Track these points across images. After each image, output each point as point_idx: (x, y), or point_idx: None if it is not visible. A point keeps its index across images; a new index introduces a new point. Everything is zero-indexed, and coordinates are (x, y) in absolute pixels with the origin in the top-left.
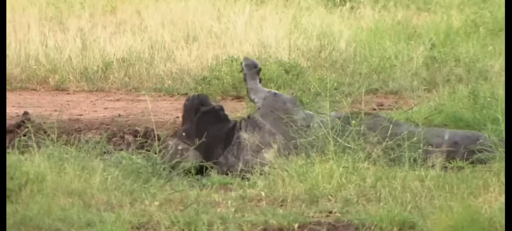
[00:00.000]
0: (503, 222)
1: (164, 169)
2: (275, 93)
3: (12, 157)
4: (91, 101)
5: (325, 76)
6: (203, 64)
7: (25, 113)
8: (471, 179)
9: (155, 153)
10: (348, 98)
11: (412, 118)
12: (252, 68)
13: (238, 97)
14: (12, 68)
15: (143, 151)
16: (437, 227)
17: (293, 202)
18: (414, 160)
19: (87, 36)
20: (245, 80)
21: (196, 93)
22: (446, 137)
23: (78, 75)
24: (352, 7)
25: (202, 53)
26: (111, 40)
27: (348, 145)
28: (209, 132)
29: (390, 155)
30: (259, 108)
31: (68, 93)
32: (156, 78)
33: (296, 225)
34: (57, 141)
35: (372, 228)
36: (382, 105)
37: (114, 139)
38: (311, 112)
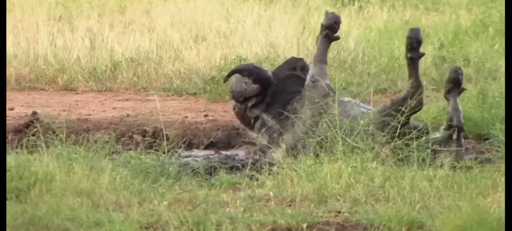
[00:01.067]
0: None
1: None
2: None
3: (21, 157)
4: (100, 101)
5: (334, 76)
6: (212, 64)
7: (34, 113)
8: (480, 178)
9: (164, 153)
10: (357, 98)
11: (421, 117)
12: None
13: None
14: (21, 68)
15: (152, 150)
16: (445, 227)
17: (302, 202)
18: (423, 160)
19: (96, 36)
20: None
21: (302, 58)
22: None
23: (86, 75)
24: (360, 7)
25: (211, 53)
26: (119, 40)
27: (357, 145)
28: (286, 89)
29: (399, 154)
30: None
31: (77, 93)
32: (165, 78)
33: (304, 225)
34: (66, 140)
35: (381, 228)
36: None
37: (122, 138)
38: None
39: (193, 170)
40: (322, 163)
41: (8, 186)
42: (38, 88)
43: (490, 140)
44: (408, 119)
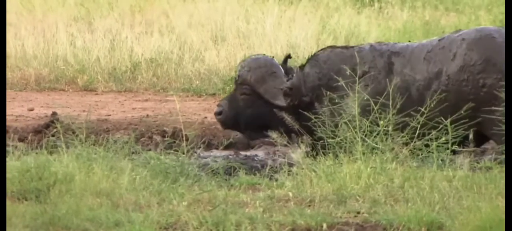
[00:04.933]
0: None
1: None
2: None
3: (40, 157)
4: (120, 101)
5: None
6: (231, 64)
7: (54, 113)
8: (499, 179)
9: (183, 153)
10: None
11: None
12: None
13: None
14: (40, 68)
15: (171, 151)
16: (465, 228)
17: (321, 202)
18: (442, 160)
19: (115, 36)
20: None
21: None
22: None
23: (106, 75)
24: (380, 8)
25: (230, 53)
26: (139, 40)
27: (376, 146)
28: None
29: (418, 155)
30: None
31: (97, 94)
32: (184, 78)
33: (324, 225)
34: (86, 141)
35: (400, 228)
36: None
37: (142, 139)
38: None
39: (213, 171)
40: (342, 163)
41: (28, 186)
42: (58, 89)
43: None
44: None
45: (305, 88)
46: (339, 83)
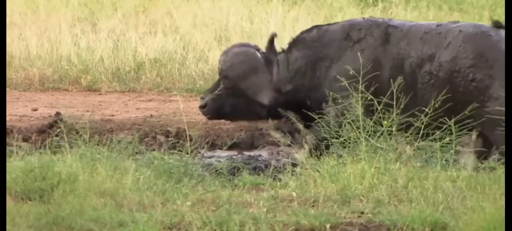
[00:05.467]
0: None
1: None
2: None
3: (44, 157)
4: (123, 101)
5: None
6: None
7: (57, 113)
8: (503, 179)
9: (187, 153)
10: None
11: None
12: None
13: None
14: (44, 68)
15: (175, 151)
16: (469, 228)
17: (325, 203)
18: (446, 161)
19: (119, 36)
20: None
21: None
22: None
23: (110, 75)
24: (384, 8)
25: None
26: (143, 40)
27: (380, 146)
28: None
29: (422, 155)
30: None
31: (100, 94)
32: (188, 78)
33: (328, 226)
34: (89, 141)
35: (404, 228)
36: None
37: (146, 139)
38: None
39: (216, 171)
40: (345, 163)
41: (31, 186)
42: (62, 89)
43: None
44: None
45: (289, 72)
46: (331, 51)
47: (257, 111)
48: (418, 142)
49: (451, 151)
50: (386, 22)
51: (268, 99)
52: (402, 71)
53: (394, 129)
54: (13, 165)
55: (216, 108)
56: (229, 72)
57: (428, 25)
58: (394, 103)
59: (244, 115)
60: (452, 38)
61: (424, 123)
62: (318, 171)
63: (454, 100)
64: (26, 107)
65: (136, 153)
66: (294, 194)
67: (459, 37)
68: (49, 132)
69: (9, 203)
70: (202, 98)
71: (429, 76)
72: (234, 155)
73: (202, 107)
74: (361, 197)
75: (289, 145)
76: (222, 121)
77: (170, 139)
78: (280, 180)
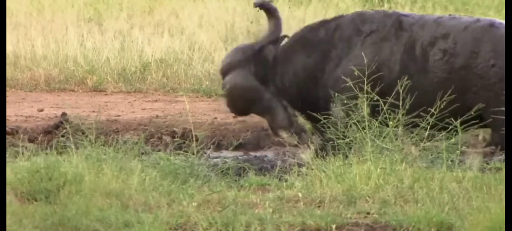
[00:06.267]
0: None
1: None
2: None
3: (50, 158)
4: (129, 102)
5: None
6: None
7: (63, 114)
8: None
9: (193, 154)
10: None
11: None
12: None
13: None
14: (50, 69)
15: (181, 152)
16: (475, 228)
17: (331, 203)
18: (452, 161)
19: (125, 37)
20: None
21: None
22: None
23: (116, 76)
24: (390, 8)
25: None
26: (149, 41)
27: (386, 146)
28: None
29: (428, 156)
30: None
31: (106, 94)
32: (194, 79)
33: (333, 226)
34: (95, 141)
35: (410, 229)
36: None
37: (152, 139)
38: None
39: (222, 171)
40: (351, 164)
41: (37, 187)
42: (68, 90)
43: None
44: None
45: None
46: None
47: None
48: (424, 143)
49: (457, 151)
50: (397, 13)
51: (285, 122)
52: (413, 56)
53: (400, 127)
54: (19, 165)
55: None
56: (232, 110)
57: (441, 15)
58: (400, 105)
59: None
60: (470, 23)
61: (438, 107)
62: (324, 172)
63: (469, 85)
64: (32, 108)
65: (142, 153)
66: (300, 195)
67: (477, 23)
68: (55, 132)
69: (15, 203)
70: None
71: (443, 53)
72: (240, 156)
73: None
74: (367, 198)
75: (295, 145)
76: (229, 121)
77: (176, 139)
78: (286, 180)
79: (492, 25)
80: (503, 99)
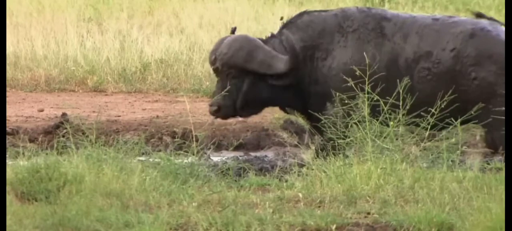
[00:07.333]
0: None
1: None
2: None
3: (50, 158)
4: (129, 102)
5: None
6: None
7: (64, 114)
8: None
9: (193, 154)
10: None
11: None
12: None
13: None
14: (50, 69)
15: (182, 152)
16: (475, 228)
17: (331, 203)
18: (452, 161)
19: (125, 37)
20: None
21: None
22: None
23: (116, 76)
24: (390, 8)
25: None
26: (149, 41)
27: (386, 146)
28: None
29: (428, 156)
30: None
31: (106, 95)
32: (194, 79)
33: (334, 226)
34: (96, 142)
35: (410, 229)
36: None
37: (152, 140)
38: None
39: (222, 171)
40: (352, 164)
41: (37, 187)
42: (68, 90)
43: None
44: None
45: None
46: (324, 40)
47: (272, 97)
48: (425, 142)
49: (457, 151)
50: (380, 14)
51: (285, 64)
52: (397, 66)
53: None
54: (20, 165)
55: (230, 105)
56: (233, 61)
57: (423, 19)
58: (401, 105)
59: (257, 105)
60: (452, 40)
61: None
62: (324, 172)
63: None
64: (32, 108)
65: (142, 153)
66: (300, 195)
67: (458, 37)
68: (55, 132)
69: (15, 203)
70: (211, 105)
71: (428, 73)
72: (240, 156)
73: (216, 112)
74: (367, 198)
75: (296, 145)
76: (229, 121)
77: (176, 139)
78: (286, 180)
79: (472, 35)
80: (491, 109)
